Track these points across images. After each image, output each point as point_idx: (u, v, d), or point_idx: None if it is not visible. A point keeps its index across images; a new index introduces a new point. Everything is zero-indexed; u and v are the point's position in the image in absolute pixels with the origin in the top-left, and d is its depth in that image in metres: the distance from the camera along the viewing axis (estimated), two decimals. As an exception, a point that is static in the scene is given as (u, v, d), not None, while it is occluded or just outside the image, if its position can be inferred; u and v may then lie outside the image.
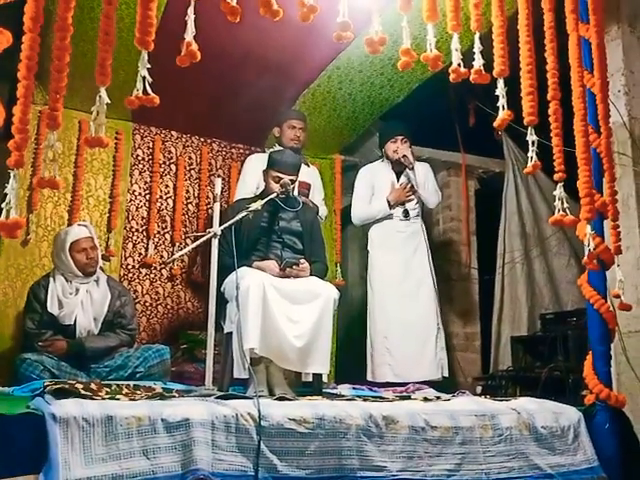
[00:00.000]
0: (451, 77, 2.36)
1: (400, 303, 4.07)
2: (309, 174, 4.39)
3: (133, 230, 4.56)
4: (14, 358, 3.34)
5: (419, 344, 3.99)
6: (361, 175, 4.39)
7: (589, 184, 2.45)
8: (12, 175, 1.74)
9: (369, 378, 4.06)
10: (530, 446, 2.39)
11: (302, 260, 3.27)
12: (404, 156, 4.15)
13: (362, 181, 4.36)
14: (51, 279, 3.56)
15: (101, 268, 3.87)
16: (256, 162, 4.09)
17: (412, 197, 4.19)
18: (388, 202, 4.18)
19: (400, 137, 4.22)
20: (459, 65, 2.33)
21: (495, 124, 2.36)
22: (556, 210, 2.41)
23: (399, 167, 4.24)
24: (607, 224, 2.65)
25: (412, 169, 4.16)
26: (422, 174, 4.24)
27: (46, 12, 1.82)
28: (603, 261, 2.55)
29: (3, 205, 1.72)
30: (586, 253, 2.45)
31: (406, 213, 4.20)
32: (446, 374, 4.02)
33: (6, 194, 1.73)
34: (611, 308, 2.57)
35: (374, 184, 4.31)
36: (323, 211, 4.48)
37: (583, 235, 2.44)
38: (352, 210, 4.36)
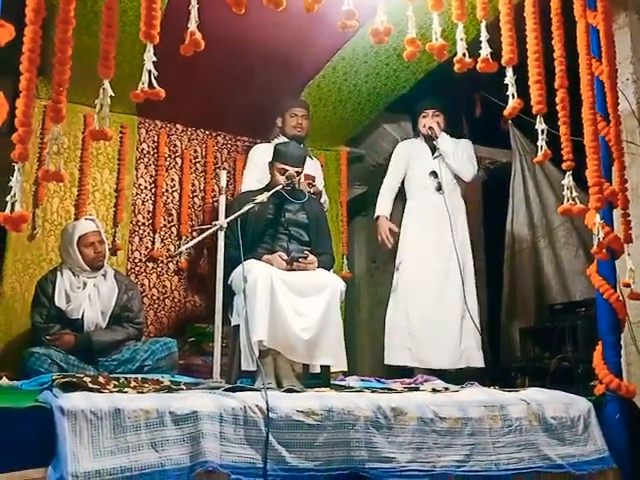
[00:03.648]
0: (456, 67, 2.34)
1: (427, 284, 3.95)
2: (313, 167, 4.38)
3: (139, 224, 4.56)
4: (22, 352, 3.35)
5: (441, 330, 3.86)
6: (396, 152, 4.37)
7: (598, 173, 2.42)
8: (17, 168, 1.74)
9: (386, 362, 4.00)
10: (540, 437, 2.37)
11: (306, 252, 3.25)
12: (430, 128, 4.11)
13: (396, 157, 4.34)
14: (58, 273, 3.57)
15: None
16: (261, 153, 4.07)
17: None
18: None
19: (431, 110, 4.17)
20: (464, 55, 2.31)
21: (505, 113, 2.33)
22: (565, 199, 2.38)
23: (430, 141, 4.17)
24: (616, 213, 2.62)
25: (435, 139, 4.08)
26: (452, 145, 4.14)
27: (49, 5, 1.82)
28: (613, 250, 2.53)
29: (8, 199, 1.72)
30: (595, 242, 2.43)
31: (439, 186, 4.09)
32: (477, 364, 3.85)
33: (11, 187, 1.73)
34: (620, 297, 2.55)
35: (410, 159, 4.26)
36: (325, 201, 4.45)
37: (592, 224, 2.42)
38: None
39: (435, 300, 3.93)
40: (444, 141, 4.14)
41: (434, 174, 4.13)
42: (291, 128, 4.13)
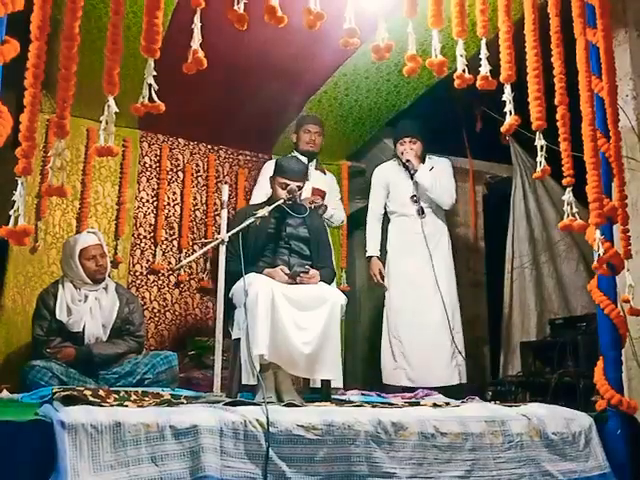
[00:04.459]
0: (456, 83, 2.35)
1: (415, 306, 4.00)
2: (326, 181, 4.42)
3: (141, 237, 4.57)
4: (23, 365, 3.34)
5: (433, 349, 3.92)
6: (374, 176, 4.39)
7: (598, 189, 2.43)
8: (20, 182, 1.75)
9: (384, 381, 4.04)
10: (541, 452, 2.37)
11: (307, 267, 3.25)
12: (407, 160, 4.12)
13: (375, 182, 4.36)
14: (60, 286, 3.57)
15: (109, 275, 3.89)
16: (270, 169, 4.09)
17: None
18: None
19: (408, 139, 4.15)
20: (464, 71, 2.33)
21: (503, 129, 2.35)
22: (565, 215, 2.39)
23: (408, 168, 4.18)
24: (616, 229, 2.63)
25: (414, 173, 4.10)
26: (429, 175, 4.14)
27: (53, 21, 1.83)
28: (613, 266, 2.53)
29: (11, 212, 1.73)
30: (596, 258, 2.43)
31: (421, 211, 4.11)
32: (464, 380, 3.94)
33: (14, 201, 1.74)
34: (621, 313, 2.55)
35: (389, 183, 4.28)
36: (341, 215, 4.50)
37: (592, 240, 2.43)
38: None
39: (422, 322, 3.97)
40: (422, 174, 4.12)
41: (414, 198, 4.14)
42: (304, 144, 4.20)
